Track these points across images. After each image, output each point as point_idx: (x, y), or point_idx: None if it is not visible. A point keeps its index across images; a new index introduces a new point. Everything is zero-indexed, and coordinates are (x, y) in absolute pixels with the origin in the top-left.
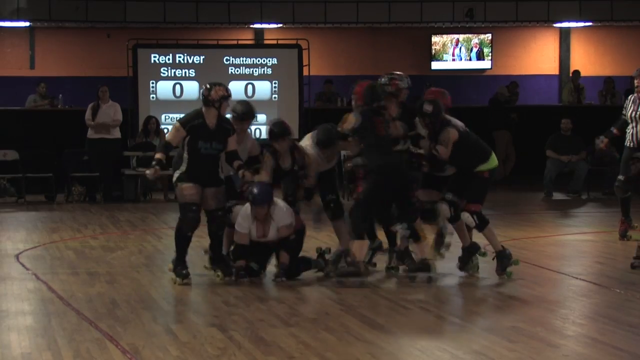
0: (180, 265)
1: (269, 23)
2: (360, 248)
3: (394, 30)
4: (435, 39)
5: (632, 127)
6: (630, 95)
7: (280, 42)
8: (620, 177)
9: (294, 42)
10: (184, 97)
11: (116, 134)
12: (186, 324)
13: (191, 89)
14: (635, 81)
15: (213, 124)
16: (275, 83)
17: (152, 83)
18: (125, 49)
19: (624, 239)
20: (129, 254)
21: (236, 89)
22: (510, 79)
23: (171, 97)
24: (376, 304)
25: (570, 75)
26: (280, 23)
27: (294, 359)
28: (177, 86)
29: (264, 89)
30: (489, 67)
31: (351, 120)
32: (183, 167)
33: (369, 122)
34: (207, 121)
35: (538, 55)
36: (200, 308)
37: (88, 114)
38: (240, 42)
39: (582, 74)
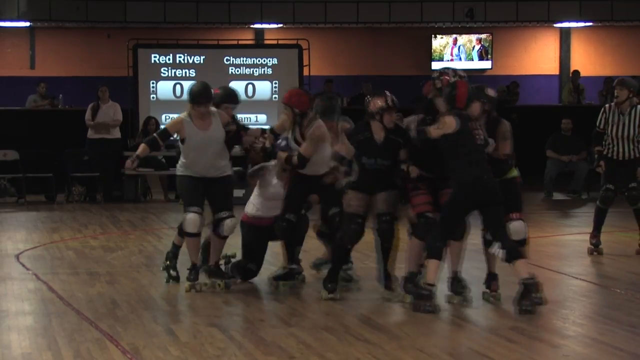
0: (332, 279)
1: (269, 23)
2: (434, 269)
3: (394, 31)
4: (435, 39)
5: (615, 145)
6: (606, 106)
7: (280, 42)
8: (610, 186)
9: (294, 42)
10: (184, 97)
11: (116, 134)
12: (186, 324)
13: None
14: (616, 91)
15: (381, 137)
16: (275, 83)
17: (152, 83)
18: (125, 49)
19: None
20: (129, 254)
21: (236, 89)
22: (510, 79)
23: (171, 97)
24: (376, 304)
25: (570, 75)
26: (280, 23)
27: (294, 359)
28: (178, 86)
29: (264, 89)
30: (490, 67)
31: (451, 124)
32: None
33: (467, 127)
34: (375, 135)
35: (538, 56)
36: (200, 308)
37: (88, 114)
38: (240, 42)
39: (582, 74)
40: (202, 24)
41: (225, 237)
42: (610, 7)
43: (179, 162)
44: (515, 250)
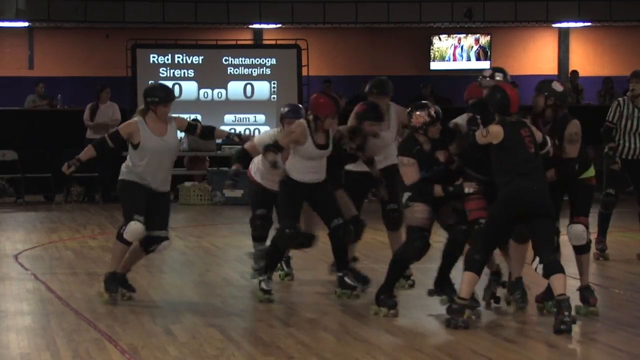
0: (388, 294)
1: (267, 23)
2: (469, 283)
3: (393, 31)
4: (434, 39)
5: (626, 141)
6: (620, 100)
7: (279, 42)
8: (611, 190)
9: (292, 42)
10: (183, 97)
11: None
12: (185, 324)
13: (190, 89)
14: (632, 84)
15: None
16: (274, 83)
17: (151, 83)
18: (124, 49)
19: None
20: None
21: (235, 89)
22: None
23: None
24: (373, 304)
25: (569, 75)
26: (279, 23)
27: (293, 359)
28: (176, 86)
29: (263, 89)
30: (488, 67)
31: (497, 134)
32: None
33: (518, 136)
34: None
35: (537, 56)
36: (199, 308)
37: (86, 115)
38: (239, 42)
39: (581, 74)
40: (201, 24)
41: (150, 253)
42: (609, 7)
43: (126, 165)
44: (553, 265)
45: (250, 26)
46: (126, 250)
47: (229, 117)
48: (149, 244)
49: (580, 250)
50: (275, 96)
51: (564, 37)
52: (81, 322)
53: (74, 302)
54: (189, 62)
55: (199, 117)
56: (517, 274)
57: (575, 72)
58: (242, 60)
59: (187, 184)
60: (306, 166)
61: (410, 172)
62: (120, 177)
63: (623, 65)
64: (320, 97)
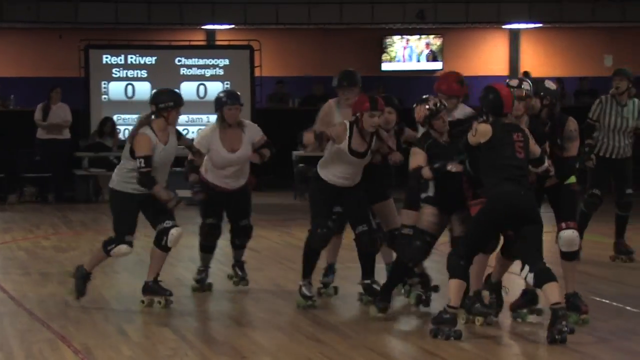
0: (385, 299)
1: (220, 24)
2: (457, 290)
3: (345, 32)
4: (386, 39)
5: (609, 139)
6: (602, 97)
7: (231, 43)
8: (597, 191)
9: (245, 43)
10: (135, 97)
11: (66, 134)
12: (138, 324)
13: (143, 89)
14: (615, 82)
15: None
16: (227, 84)
17: (104, 84)
18: (77, 50)
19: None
20: (81, 255)
21: (188, 89)
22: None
23: (123, 97)
24: (328, 303)
25: (520, 76)
26: (232, 24)
27: (245, 359)
28: (129, 87)
29: (216, 89)
30: (440, 68)
31: (485, 132)
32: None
33: (508, 138)
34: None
35: (488, 57)
36: (152, 308)
37: (38, 115)
38: (192, 43)
39: (532, 74)
40: (154, 25)
41: (169, 249)
42: (559, 9)
43: (121, 174)
44: (545, 273)
45: (203, 27)
46: (102, 257)
47: (182, 117)
48: (160, 239)
49: (570, 257)
50: None
51: (515, 38)
52: (34, 322)
53: (27, 302)
54: (142, 62)
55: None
56: (475, 287)
57: (526, 73)
58: (195, 61)
59: None
60: (338, 170)
61: (414, 159)
62: (112, 186)
63: (573, 66)
64: (360, 95)
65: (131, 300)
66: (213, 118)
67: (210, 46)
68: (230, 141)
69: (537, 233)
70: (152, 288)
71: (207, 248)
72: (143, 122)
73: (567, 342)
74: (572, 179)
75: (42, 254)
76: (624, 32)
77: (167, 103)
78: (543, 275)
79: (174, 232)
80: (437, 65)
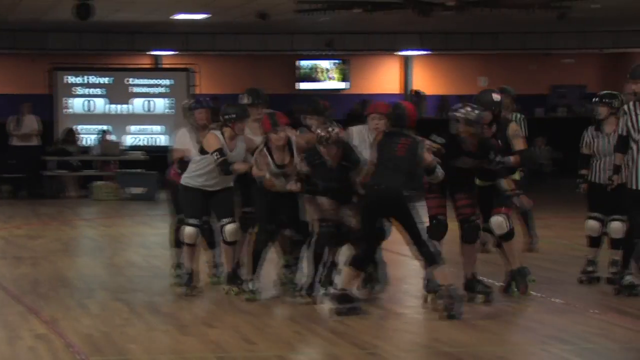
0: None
1: (165, 50)
2: (351, 276)
3: (269, 57)
4: (301, 63)
5: (600, 161)
6: (590, 128)
7: (175, 66)
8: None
9: (186, 66)
10: (95, 111)
11: (37, 141)
12: (97, 299)
13: (100, 105)
14: (598, 108)
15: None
16: (170, 100)
17: (68, 100)
18: (45, 71)
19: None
20: (49, 242)
21: (138, 105)
22: (362, 97)
23: (83, 111)
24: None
25: (411, 93)
26: (175, 50)
27: (186, 327)
28: (88, 102)
29: (161, 105)
30: (346, 87)
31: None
32: None
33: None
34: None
35: (385, 78)
36: (108, 286)
37: (12, 126)
38: (141, 66)
39: (421, 93)
40: (110, 50)
41: (230, 243)
42: (444, 39)
43: (189, 173)
44: (432, 256)
45: (151, 53)
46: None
47: (133, 128)
48: (221, 234)
49: (505, 238)
50: (171, 111)
51: (407, 62)
52: (9, 297)
53: (3, 280)
54: (100, 82)
55: (109, 128)
56: (470, 270)
57: (417, 92)
58: (143, 81)
59: (98, 182)
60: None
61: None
62: (182, 183)
63: (454, 86)
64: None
65: (91, 279)
66: (158, 128)
67: (157, 69)
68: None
69: (409, 221)
70: (229, 276)
71: (179, 243)
72: (217, 126)
73: (458, 317)
74: (515, 175)
75: (15, 241)
76: (496, 58)
77: (230, 115)
78: (427, 258)
79: (228, 228)
80: (344, 85)
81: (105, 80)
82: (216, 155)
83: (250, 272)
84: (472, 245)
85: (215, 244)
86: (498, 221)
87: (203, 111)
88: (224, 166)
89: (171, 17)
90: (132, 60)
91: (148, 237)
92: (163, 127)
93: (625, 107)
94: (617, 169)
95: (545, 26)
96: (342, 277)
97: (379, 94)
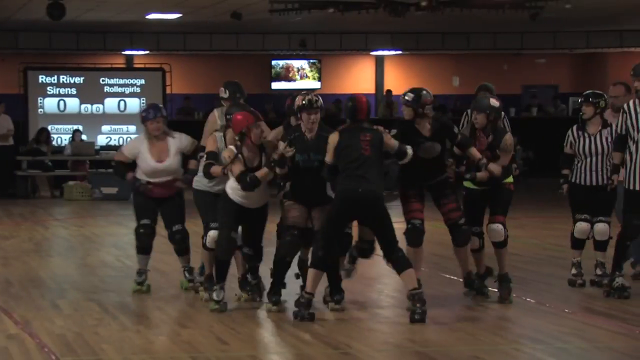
0: (277, 293)
1: (137, 50)
2: (314, 279)
3: (241, 57)
4: (275, 63)
5: (583, 162)
6: (574, 128)
7: (147, 66)
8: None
9: (158, 66)
10: (67, 111)
11: (10, 141)
12: (69, 299)
13: (73, 104)
14: (583, 107)
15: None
16: (143, 99)
17: (40, 99)
18: (17, 71)
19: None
20: (21, 242)
21: (111, 104)
22: (336, 97)
23: (56, 111)
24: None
25: (384, 93)
26: (147, 50)
27: (159, 327)
28: (61, 102)
29: (133, 104)
30: (319, 87)
31: (333, 141)
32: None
33: (354, 141)
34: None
35: (358, 77)
36: (81, 286)
37: None
38: (114, 65)
39: (394, 92)
40: (82, 50)
41: (210, 249)
42: (416, 39)
43: (197, 175)
44: (402, 261)
45: (123, 52)
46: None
47: (105, 128)
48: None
49: (499, 245)
50: None
51: (380, 62)
52: None
53: None
54: (72, 82)
55: (80, 127)
56: (466, 270)
57: (389, 91)
58: (116, 81)
59: (71, 182)
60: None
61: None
62: (196, 188)
63: (427, 86)
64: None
65: (63, 279)
66: (132, 128)
67: (129, 68)
68: (158, 152)
69: (384, 225)
70: (239, 282)
71: (141, 249)
72: (221, 129)
73: (425, 321)
74: (510, 179)
75: None
76: (468, 58)
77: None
78: (400, 263)
79: (211, 233)
80: (317, 85)
81: (77, 80)
82: (204, 157)
83: (215, 281)
84: (464, 248)
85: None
86: (497, 229)
87: (156, 122)
88: (205, 169)
89: (143, 17)
90: (104, 60)
91: (121, 237)
92: (135, 126)
93: (625, 105)
94: (616, 168)
95: (517, 26)
96: (308, 280)
97: (352, 93)
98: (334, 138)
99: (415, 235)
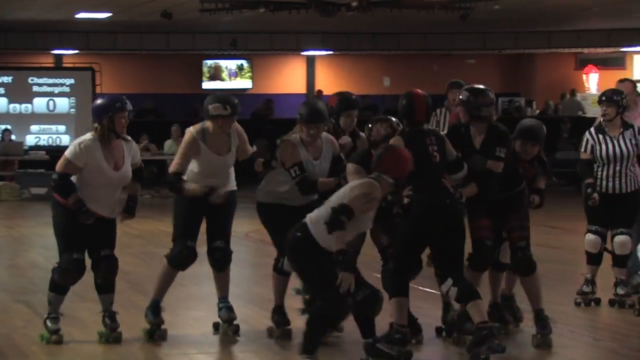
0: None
1: (67, 49)
2: (401, 308)
3: (172, 57)
4: (205, 63)
5: (605, 168)
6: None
7: (76, 65)
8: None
9: (88, 65)
10: None
11: None
12: None
13: (1, 103)
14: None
15: None
16: (72, 99)
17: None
18: None
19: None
20: None
21: (40, 104)
22: (266, 97)
23: None
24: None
25: (315, 93)
26: (76, 49)
27: (87, 328)
28: None
29: (63, 104)
30: (250, 86)
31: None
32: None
33: (418, 142)
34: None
35: (289, 77)
36: (9, 287)
37: None
38: (42, 65)
39: (325, 92)
40: (10, 49)
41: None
42: (346, 39)
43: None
44: (470, 291)
45: (52, 52)
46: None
47: (34, 127)
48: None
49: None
50: (74, 110)
51: (310, 62)
52: None
53: None
54: (0, 81)
55: (9, 127)
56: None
57: (320, 91)
58: (45, 80)
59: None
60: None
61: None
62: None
63: (358, 86)
64: None
65: None
66: (62, 128)
67: (58, 68)
68: (115, 156)
69: (458, 246)
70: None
71: (58, 288)
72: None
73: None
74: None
75: None
76: (398, 58)
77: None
78: (466, 293)
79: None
80: (248, 84)
81: (6, 79)
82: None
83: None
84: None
85: None
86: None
87: (125, 115)
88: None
89: (73, 16)
90: (33, 59)
91: (50, 238)
92: (65, 126)
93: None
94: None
95: (447, 27)
96: (394, 311)
97: (284, 93)
98: (397, 143)
99: (484, 258)
